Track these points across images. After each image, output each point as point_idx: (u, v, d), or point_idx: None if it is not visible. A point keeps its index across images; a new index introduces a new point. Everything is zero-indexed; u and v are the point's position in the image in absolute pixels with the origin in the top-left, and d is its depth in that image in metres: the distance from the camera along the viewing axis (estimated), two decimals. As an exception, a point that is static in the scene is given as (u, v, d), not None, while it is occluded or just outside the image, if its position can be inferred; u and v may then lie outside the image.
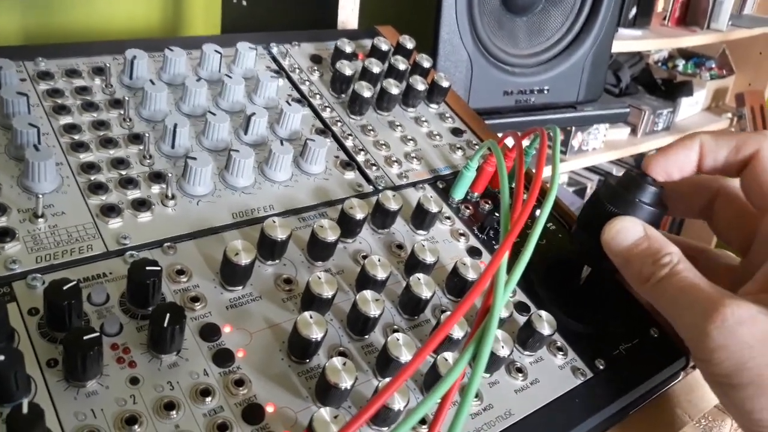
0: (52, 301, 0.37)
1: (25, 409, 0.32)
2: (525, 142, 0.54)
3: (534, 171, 0.54)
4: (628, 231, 0.46)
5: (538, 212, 0.44)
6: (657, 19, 1.95)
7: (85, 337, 0.35)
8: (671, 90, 2.21)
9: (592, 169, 2.27)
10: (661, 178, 0.50)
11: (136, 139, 0.52)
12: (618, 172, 2.31)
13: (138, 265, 0.40)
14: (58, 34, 1.04)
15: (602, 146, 1.95)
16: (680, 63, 2.40)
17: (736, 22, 2.11)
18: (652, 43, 1.88)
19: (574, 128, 1.79)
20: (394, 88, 0.63)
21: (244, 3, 1.05)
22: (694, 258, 0.53)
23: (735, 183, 0.51)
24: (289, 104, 0.58)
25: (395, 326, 0.47)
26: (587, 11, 1.02)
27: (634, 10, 1.80)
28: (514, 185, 0.47)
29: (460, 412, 0.33)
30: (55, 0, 1.00)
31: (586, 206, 0.51)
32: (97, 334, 0.36)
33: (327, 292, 0.43)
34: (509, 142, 0.57)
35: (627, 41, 1.75)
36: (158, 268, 0.40)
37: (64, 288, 0.37)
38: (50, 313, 0.38)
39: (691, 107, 2.31)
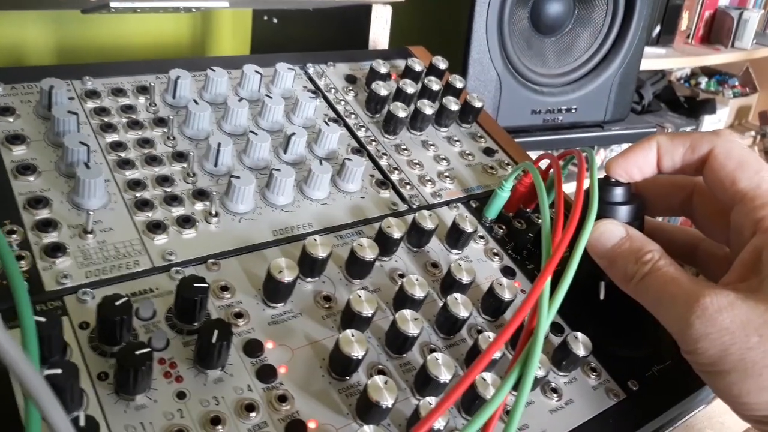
0: (105, 316, 0.38)
1: (82, 422, 0.33)
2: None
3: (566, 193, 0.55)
4: (610, 233, 0.48)
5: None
6: (681, 37, 1.95)
7: (137, 352, 0.36)
8: (694, 108, 2.21)
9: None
10: (623, 179, 0.52)
11: (180, 157, 0.53)
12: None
13: (186, 281, 0.41)
14: (89, 50, 1.06)
15: (625, 164, 1.95)
16: (703, 80, 2.40)
17: (760, 41, 2.10)
18: (676, 61, 1.88)
19: (596, 146, 1.79)
20: (428, 108, 0.64)
21: (275, 21, 1.07)
22: (695, 246, 0.56)
23: None
24: (327, 124, 0.59)
25: (432, 345, 0.47)
26: (616, 32, 1.03)
27: (658, 28, 1.81)
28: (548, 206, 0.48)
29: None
30: (86, 18, 1.02)
31: None
32: (149, 349, 0.37)
33: (367, 311, 0.44)
34: (542, 163, 0.57)
35: (651, 59, 1.75)
36: (206, 285, 0.41)
37: (117, 303, 0.38)
38: (102, 327, 0.39)
39: (713, 125, 2.30)
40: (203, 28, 1.19)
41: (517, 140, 0.71)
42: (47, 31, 1.01)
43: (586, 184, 0.49)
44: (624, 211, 0.50)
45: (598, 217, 0.48)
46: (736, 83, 2.43)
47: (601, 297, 0.53)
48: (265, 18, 1.07)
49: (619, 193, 0.51)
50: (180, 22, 1.15)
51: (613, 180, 0.51)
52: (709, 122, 2.25)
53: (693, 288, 0.43)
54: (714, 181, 0.49)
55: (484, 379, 0.42)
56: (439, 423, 0.39)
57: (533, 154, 0.64)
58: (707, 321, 0.41)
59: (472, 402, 0.42)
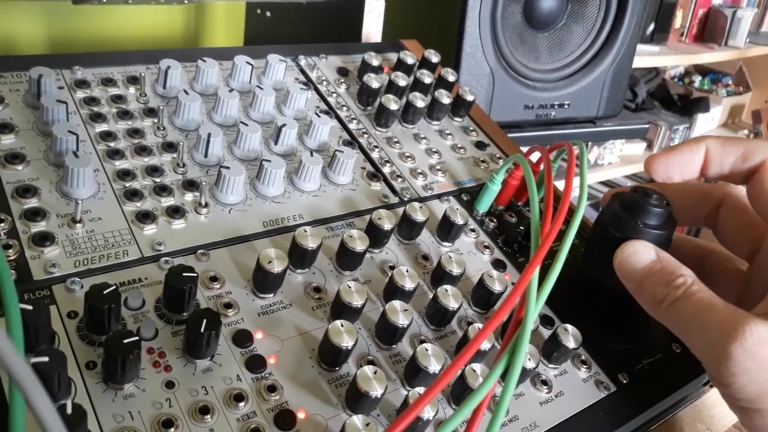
0: (93, 304, 0.38)
1: (69, 410, 0.32)
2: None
3: (557, 185, 0.55)
4: (640, 254, 0.46)
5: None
6: (675, 35, 1.96)
7: (125, 341, 0.36)
8: (687, 106, 2.22)
9: (607, 184, 2.27)
10: (660, 179, 0.49)
11: (169, 147, 0.53)
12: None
13: (175, 271, 0.41)
14: (81, 41, 1.05)
15: (618, 161, 1.96)
16: (697, 79, 2.41)
17: (754, 40, 2.11)
18: (669, 59, 1.89)
19: (590, 142, 1.80)
20: (420, 101, 0.64)
21: (268, 14, 1.06)
22: (702, 258, 0.53)
23: (741, 191, 0.50)
24: (318, 116, 0.59)
25: (422, 337, 0.47)
26: (609, 28, 1.03)
27: (652, 26, 1.81)
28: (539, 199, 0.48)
29: (493, 424, 0.34)
30: (79, 9, 1.02)
31: (591, 234, 0.51)
32: (137, 338, 0.36)
33: (357, 301, 0.44)
34: (533, 157, 0.57)
35: (644, 57, 1.76)
36: (195, 275, 0.41)
37: (105, 292, 0.38)
38: (90, 316, 0.39)
39: (707, 123, 2.31)
40: (196, 21, 1.19)
41: (509, 135, 0.71)
42: (38, 23, 1.00)
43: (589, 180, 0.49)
44: (654, 235, 0.47)
45: (629, 236, 0.46)
46: (730, 82, 2.44)
47: (602, 298, 0.53)
48: (259, 11, 1.07)
49: (656, 214, 0.47)
50: (173, 15, 1.15)
51: (653, 199, 0.47)
52: (703, 120, 2.26)
53: (731, 316, 0.40)
54: (760, 194, 0.46)
55: (474, 370, 0.42)
56: (429, 413, 0.39)
57: (525, 149, 0.64)
58: (747, 353, 0.38)
59: (461, 393, 0.42)
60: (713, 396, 0.55)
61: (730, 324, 0.39)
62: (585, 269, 0.52)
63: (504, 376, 0.37)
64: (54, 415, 0.25)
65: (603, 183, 2.25)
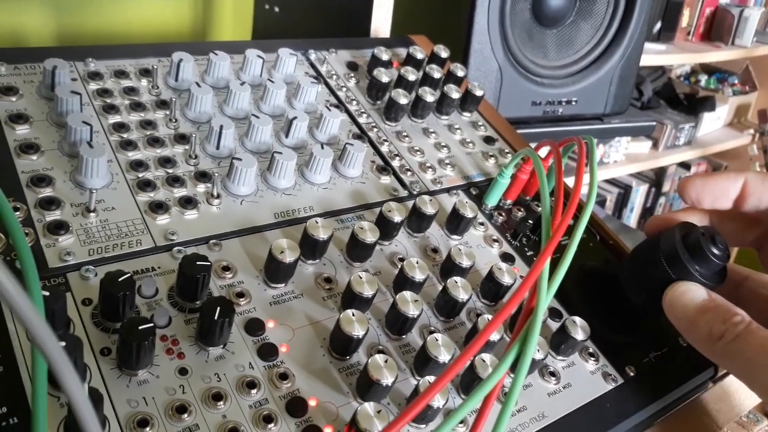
0: (108, 291, 0.39)
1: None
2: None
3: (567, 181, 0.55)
4: (693, 293, 0.45)
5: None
6: (681, 33, 1.96)
7: (140, 327, 0.37)
8: (693, 105, 2.22)
9: (612, 182, 2.27)
10: (690, 201, 0.49)
11: (182, 139, 0.53)
12: (638, 185, 2.31)
13: (189, 259, 0.41)
14: (89, 35, 1.06)
15: (623, 159, 1.96)
16: (703, 78, 2.40)
17: (760, 39, 2.11)
18: (676, 57, 1.88)
19: (596, 140, 1.80)
20: (429, 95, 0.65)
21: (276, 9, 1.07)
22: (738, 284, 0.52)
23: None
24: (329, 109, 0.59)
25: (431, 328, 0.48)
26: (617, 25, 1.03)
27: (658, 25, 1.81)
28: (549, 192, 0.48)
29: (503, 415, 0.34)
30: (88, 2, 1.03)
31: (641, 254, 0.50)
32: (151, 324, 0.37)
33: (368, 291, 0.44)
34: (543, 151, 0.58)
35: (651, 55, 1.75)
36: (208, 263, 0.41)
37: (120, 279, 0.39)
38: (105, 303, 0.39)
39: (713, 122, 2.31)
40: (204, 16, 1.19)
41: (517, 131, 0.71)
42: (48, 16, 1.01)
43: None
44: (710, 287, 0.46)
45: (680, 276, 0.46)
46: (736, 81, 2.43)
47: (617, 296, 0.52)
48: (267, 6, 1.08)
49: (713, 265, 0.46)
50: (180, 9, 1.15)
51: (715, 249, 0.45)
52: (709, 120, 2.26)
53: None
54: None
55: (484, 360, 0.43)
56: (439, 402, 0.39)
57: (533, 145, 0.65)
58: None
59: (471, 383, 0.43)
60: (718, 390, 0.55)
61: None
62: (622, 282, 0.51)
63: (514, 367, 0.37)
64: (85, 398, 0.26)
65: (608, 181, 2.25)
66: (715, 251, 0.46)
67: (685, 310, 0.45)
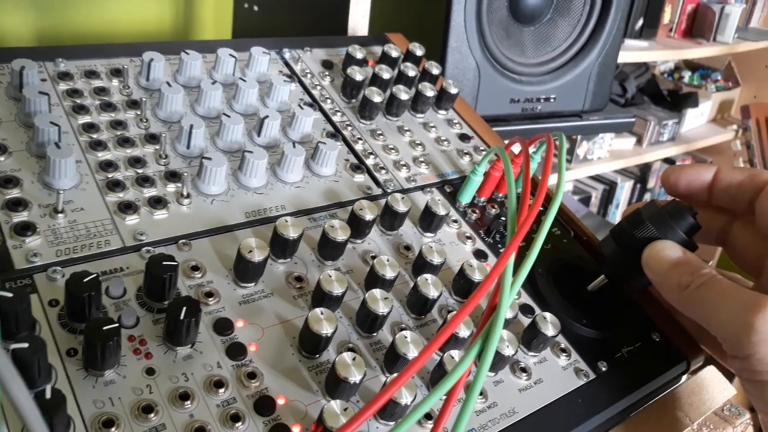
0: (73, 292, 0.38)
1: (48, 395, 0.33)
2: (531, 149, 0.56)
3: (540, 177, 0.55)
4: (669, 251, 0.49)
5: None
6: (663, 30, 1.97)
7: (104, 328, 0.37)
8: (677, 101, 2.23)
9: (596, 178, 2.28)
10: (667, 185, 0.53)
11: (152, 138, 0.53)
12: (623, 181, 2.32)
13: (155, 259, 0.41)
14: (70, 35, 1.05)
15: (607, 156, 1.97)
16: (686, 74, 2.42)
17: (742, 35, 2.12)
18: (658, 54, 1.89)
19: (579, 137, 1.80)
20: (404, 94, 0.65)
21: (256, 9, 1.07)
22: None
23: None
24: (302, 108, 0.59)
25: (403, 325, 0.48)
26: (594, 22, 1.03)
27: (640, 21, 1.82)
28: (520, 190, 0.48)
29: (465, 407, 0.34)
30: (68, 2, 1.02)
31: (625, 220, 0.53)
32: (116, 324, 0.37)
33: (337, 290, 0.44)
34: (516, 148, 0.58)
35: (633, 52, 1.76)
36: (175, 263, 0.41)
37: (85, 280, 0.39)
38: (70, 304, 0.39)
39: (696, 118, 2.32)
40: (185, 16, 1.19)
41: (495, 129, 0.72)
42: (26, 17, 1.00)
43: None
44: (681, 240, 0.50)
45: (659, 235, 0.50)
46: (719, 77, 2.45)
47: (593, 289, 0.54)
48: (246, 5, 1.07)
49: (689, 224, 0.51)
50: (161, 9, 1.15)
51: (691, 212, 0.51)
52: (692, 116, 2.27)
53: (754, 294, 0.43)
54: (765, 211, 0.50)
55: (452, 357, 0.43)
56: (407, 398, 0.40)
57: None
58: None
59: (440, 379, 0.43)
60: (693, 384, 0.56)
61: (754, 299, 0.43)
62: (602, 251, 0.55)
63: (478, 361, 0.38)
64: (29, 400, 0.26)
65: (592, 177, 2.26)
66: (690, 213, 0.51)
67: (659, 264, 0.49)
